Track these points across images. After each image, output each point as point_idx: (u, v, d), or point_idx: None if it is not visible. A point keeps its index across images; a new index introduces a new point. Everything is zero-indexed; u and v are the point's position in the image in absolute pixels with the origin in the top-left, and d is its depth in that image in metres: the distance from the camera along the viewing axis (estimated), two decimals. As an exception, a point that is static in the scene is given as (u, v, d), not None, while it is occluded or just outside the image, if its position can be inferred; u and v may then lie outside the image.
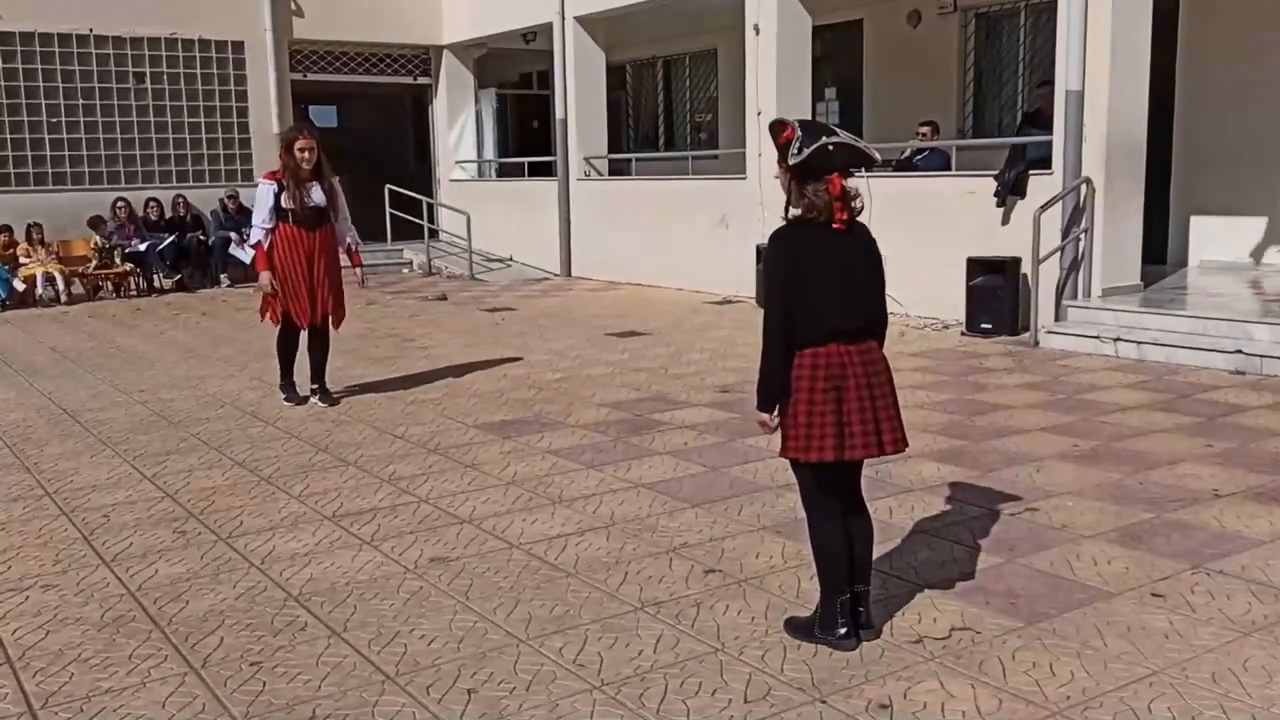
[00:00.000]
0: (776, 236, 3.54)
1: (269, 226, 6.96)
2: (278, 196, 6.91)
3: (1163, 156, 10.40)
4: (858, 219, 3.48)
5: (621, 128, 18.17)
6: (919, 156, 11.18)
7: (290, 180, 6.89)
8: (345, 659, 3.44)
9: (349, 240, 7.33)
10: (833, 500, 3.49)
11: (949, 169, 10.60)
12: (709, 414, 6.71)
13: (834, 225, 3.39)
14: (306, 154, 6.89)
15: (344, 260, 7.29)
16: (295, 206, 6.90)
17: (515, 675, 3.31)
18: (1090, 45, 8.70)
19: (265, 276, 7.02)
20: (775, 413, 3.45)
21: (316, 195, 6.99)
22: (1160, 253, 10.67)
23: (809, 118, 3.23)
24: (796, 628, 3.56)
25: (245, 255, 15.06)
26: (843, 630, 3.44)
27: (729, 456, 5.74)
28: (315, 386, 7.33)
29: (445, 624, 3.69)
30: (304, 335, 7.26)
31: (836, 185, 3.36)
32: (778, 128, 3.50)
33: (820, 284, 3.41)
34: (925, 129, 11.41)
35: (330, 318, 7.21)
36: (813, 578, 3.99)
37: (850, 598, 3.46)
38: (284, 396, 7.33)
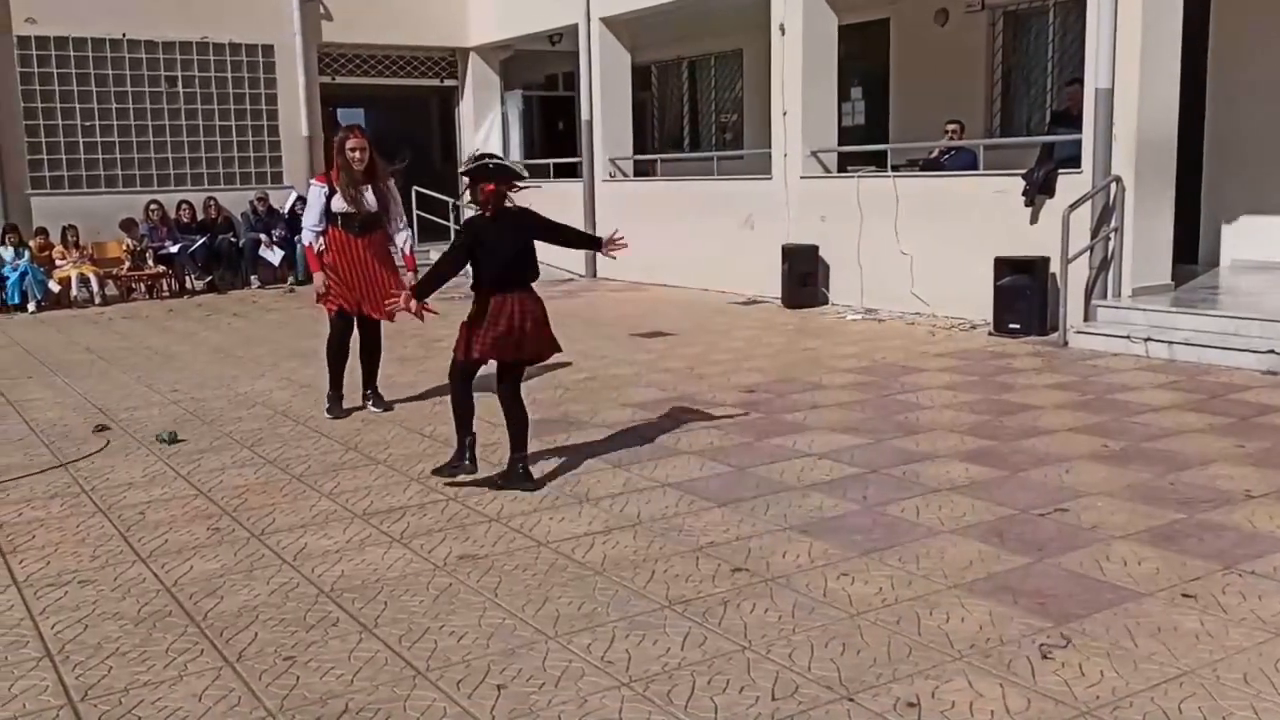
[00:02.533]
0: (468, 220, 5.47)
1: (320, 229, 6.78)
2: (328, 199, 6.73)
3: (1194, 154, 10.32)
4: (509, 207, 5.22)
5: (646, 129, 18.21)
6: (946, 156, 11.15)
7: (341, 182, 6.70)
8: (377, 654, 3.49)
9: (403, 243, 7.05)
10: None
11: (976, 168, 10.56)
12: (734, 413, 6.72)
13: (487, 215, 5.17)
14: (358, 154, 6.67)
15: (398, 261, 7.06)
16: (346, 210, 6.71)
17: (544, 671, 3.34)
18: (1120, 43, 8.65)
19: (319, 278, 6.84)
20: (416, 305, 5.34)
21: (369, 199, 6.77)
22: (1191, 252, 10.58)
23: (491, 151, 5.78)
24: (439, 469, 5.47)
25: (275, 257, 15.23)
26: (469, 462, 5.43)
27: (755, 456, 5.75)
28: (368, 392, 7.13)
29: (474, 620, 3.73)
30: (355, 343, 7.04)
31: (484, 191, 5.11)
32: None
33: (487, 251, 5.18)
34: (953, 127, 11.37)
35: (378, 317, 6.89)
36: (840, 575, 4.03)
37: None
38: (326, 407, 6.99)
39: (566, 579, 4.09)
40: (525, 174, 5.33)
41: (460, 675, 3.32)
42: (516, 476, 5.27)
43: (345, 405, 7.05)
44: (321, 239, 6.81)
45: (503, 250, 5.18)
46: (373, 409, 7.06)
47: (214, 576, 4.20)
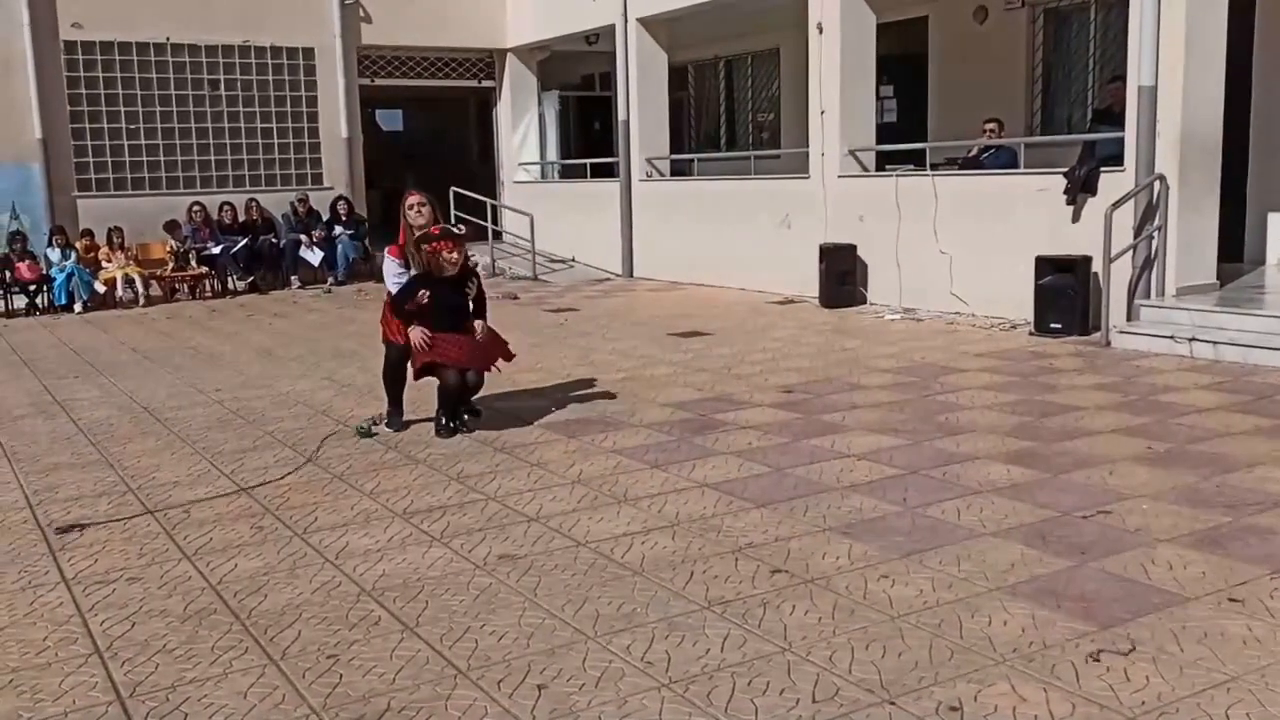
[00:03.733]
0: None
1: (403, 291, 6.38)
2: (405, 270, 6.43)
3: (1239, 152, 10.16)
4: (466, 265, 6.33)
5: (683, 128, 18.20)
6: (986, 154, 11.06)
7: (411, 250, 6.41)
8: (418, 653, 3.52)
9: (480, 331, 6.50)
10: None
11: (1016, 166, 10.47)
12: (772, 414, 6.70)
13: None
14: (415, 210, 6.45)
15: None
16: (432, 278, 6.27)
17: (584, 672, 3.36)
18: (1164, 39, 8.54)
19: (417, 332, 6.29)
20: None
21: (451, 261, 6.24)
22: (1236, 250, 10.43)
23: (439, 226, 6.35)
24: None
25: (314, 257, 15.37)
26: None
27: (794, 457, 5.73)
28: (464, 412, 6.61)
29: (514, 620, 3.75)
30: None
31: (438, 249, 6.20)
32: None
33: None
34: (991, 126, 11.28)
35: (487, 365, 6.54)
36: (881, 578, 4.01)
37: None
38: (385, 421, 6.72)
39: (606, 579, 4.11)
40: (459, 230, 6.53)
41: (501, 675, 3.34)
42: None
43: (404, 419, 6.74)
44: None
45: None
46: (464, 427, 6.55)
47: (258, 574, 4.25)
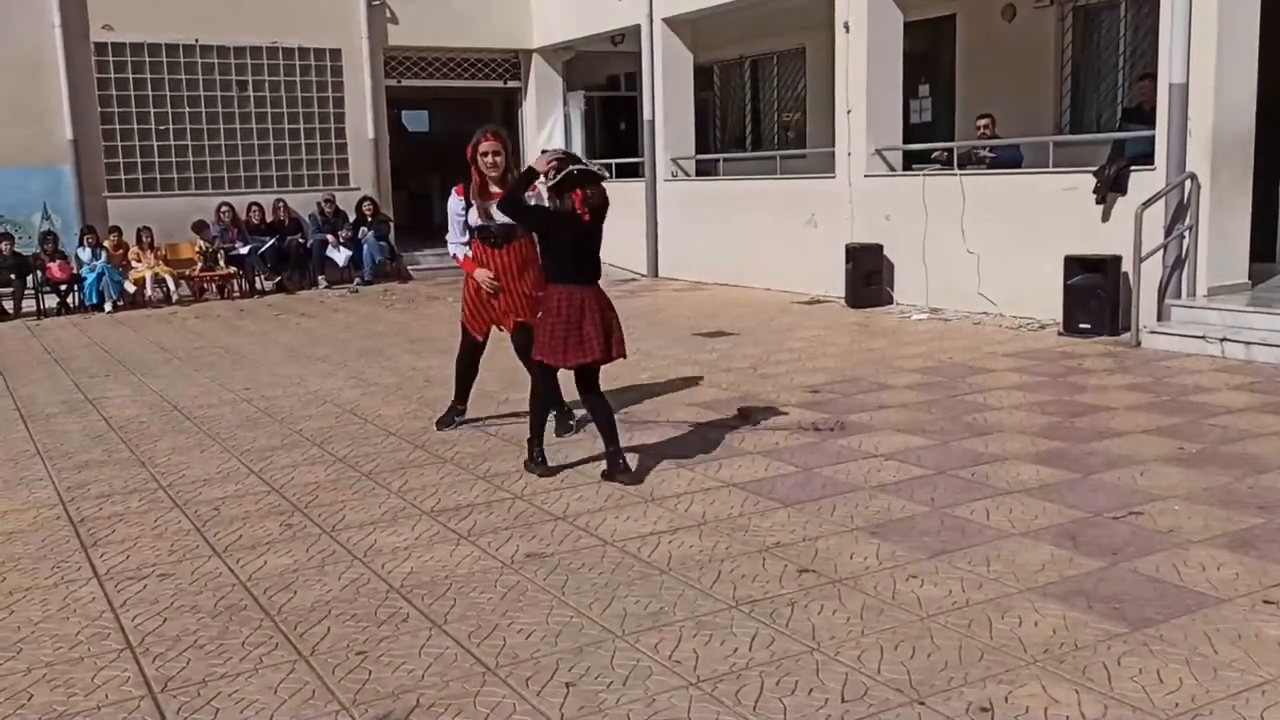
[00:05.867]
0: (546, 210, 5.54)
1: (464, 241, 6.22)
2: (465, 212, 6.15)
3: (1272, 150, 10.03)
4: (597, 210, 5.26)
5: (709, 128, 18.17)
6: (990, 153, 11.04)
7: (475, 194, 6.07)
8: (446, 650, 3.53)
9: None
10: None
11: (1018, 165, 10.45)
12: (799, 414, 6.68)
13: (580, 216, 5.23)
14: (490, 158, 6.01)
15: None
16: (481, 223, 6.10)
17: (612, 670, 3.36)
18: (1195, 36, 8.45)
19: (483, 273, 6.11)
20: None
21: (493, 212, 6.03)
22: (1269, 250, 10.29)
23: (567, 152, 5.61)
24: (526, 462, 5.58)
25: (340, 257, 15.46)
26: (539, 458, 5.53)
27: (821, 457, 5.71)
28: (553, 413, 6.25)
29: (542, 618, 3.75)
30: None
31: (577, 198, 5.19)
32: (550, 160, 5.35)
33: (566, 250, 5.29)
34: (984, 122, 11.26)
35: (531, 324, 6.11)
36: (910, 578, 3.99)
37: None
38: (441, 415, 6.61)
39: (633, 578, 4.11)
40: (605, 174, 5.47)
41: (529, 673, 3.35)
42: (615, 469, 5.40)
43: (460, 419, 6.62)
44: (468, 249, 6.23)
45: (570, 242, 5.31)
46: (555, 435, 6.22)
47: (287, 571, 4.28)
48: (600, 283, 5.43)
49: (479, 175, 6.08)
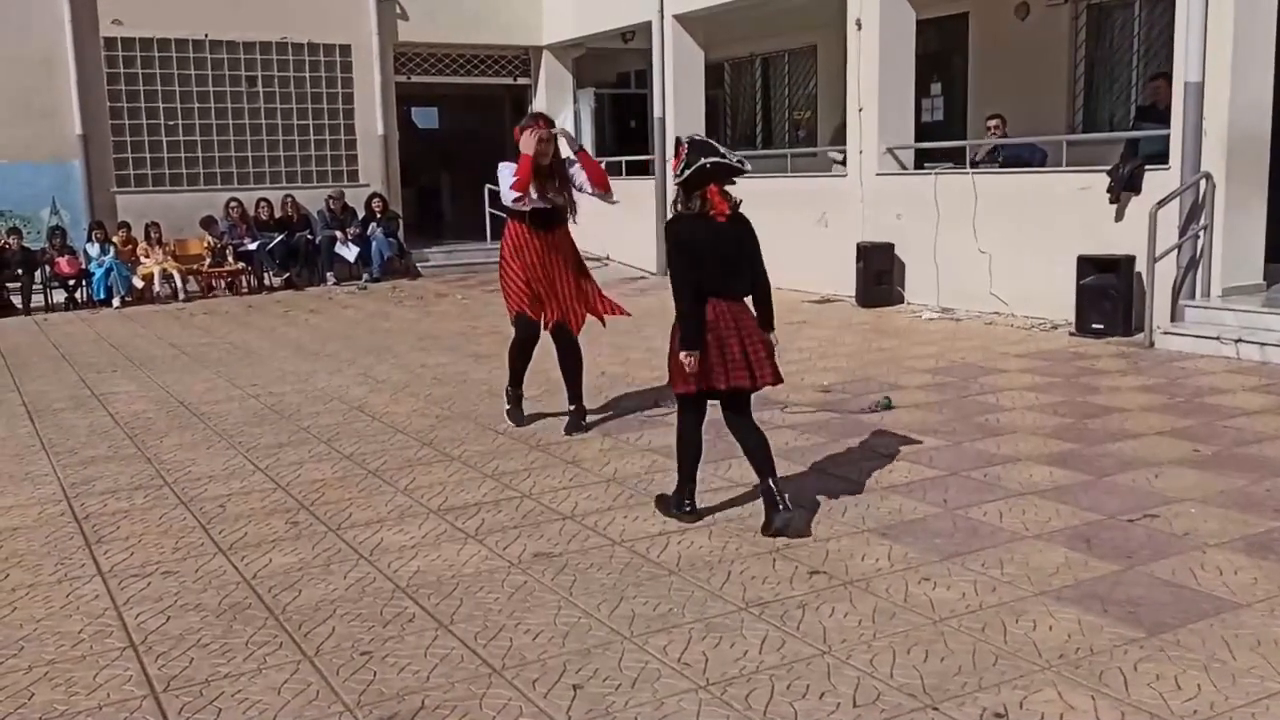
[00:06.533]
0: (671, 224, 4.55)
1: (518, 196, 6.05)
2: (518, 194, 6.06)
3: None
4: (738, 210, 4.51)
5: (719, 126, 18.10)
6: (998, 153, 10.98)
7: (526, 177, 6.00)
8: (452, 651, 3.48)
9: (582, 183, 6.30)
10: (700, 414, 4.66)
11: (1030, 165, 10.37)
12: (810, 414, 6.63)
13: (716, 216, 4.41)
14: (542, 145, 5.98)
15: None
16: (538, 204, 6.08)
17: (620, 672, 3.31)
18: (1211, 34, 8.37)
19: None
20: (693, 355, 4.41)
21: (551, 194, 6.11)
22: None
23: (701, 138, 4.54)
24: (662, 502, 4.79)
25: (349, 253, 15.44)
26: (687, 507, 4.68)
27: (831, 457, 5.65)
28: (572, 407, 6.39)
29: (550, 619, 3.71)
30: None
31: (713, 194, 4.39)
32: (675, 149, 4.53)
33: (701, 258, 4.41)
34: (995, 122, 11.20)
35: (575, 321, 6.32)
36: (922, 580, 3.93)
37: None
38: (507, 409, 6.52)
39: (642, 579, 4.06)
40: (747, 167, 4.54)
41: (536, 674, 3.30)
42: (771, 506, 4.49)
43: (526, 411, 6.57)
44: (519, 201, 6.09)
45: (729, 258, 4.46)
46: (565, 433, 6.24)
47: (292, 570, 4.24)
48: (742, 302, 4.56)
49: (529, 159, 5.98)
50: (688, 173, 4.37)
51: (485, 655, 3.44)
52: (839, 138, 12.60)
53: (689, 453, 4.70)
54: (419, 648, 3.51)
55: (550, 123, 6.14)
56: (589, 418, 6.50)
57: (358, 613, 3.80)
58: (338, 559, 4.35)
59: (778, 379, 4.55)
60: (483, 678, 3.30)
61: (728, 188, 4.45)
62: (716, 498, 5.01)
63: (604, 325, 6.79)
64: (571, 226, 6.41)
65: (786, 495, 4.46)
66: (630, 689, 3.20)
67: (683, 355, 4.42)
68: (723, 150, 4.44)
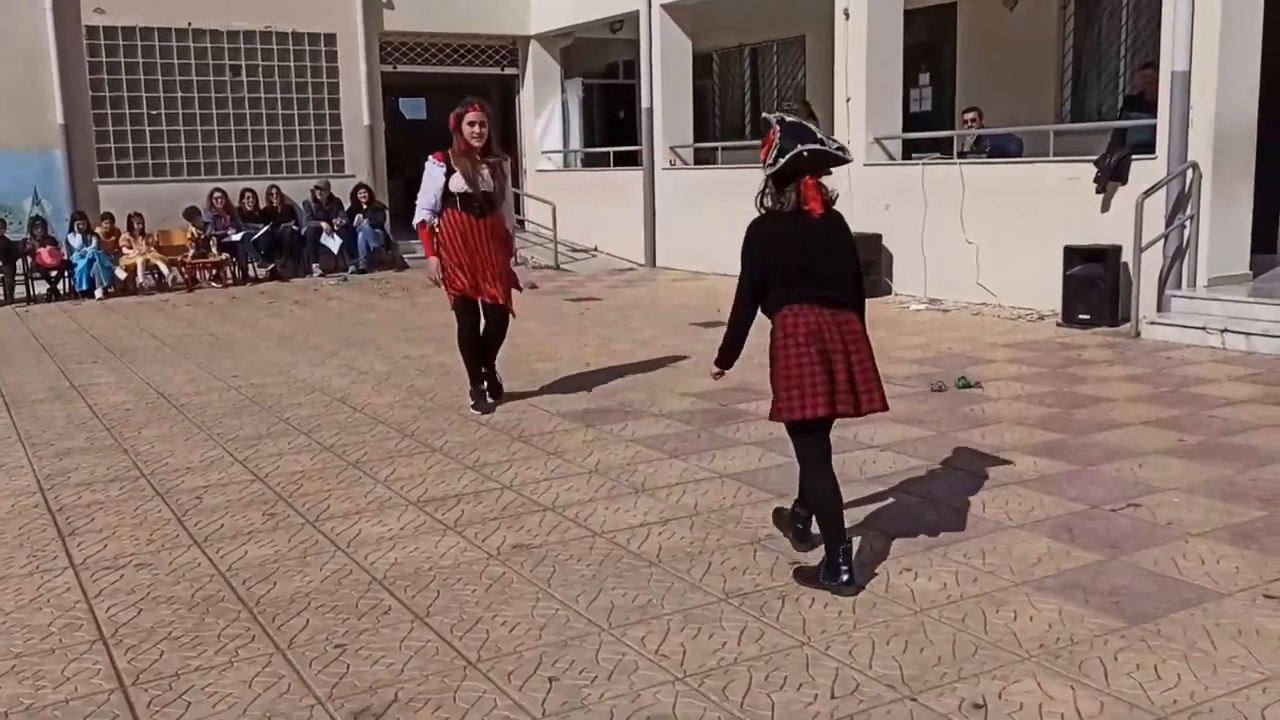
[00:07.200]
0: (755, 224, 3.93)
1: (434, 209, 6.32)
2: (446, 179, 6.25)
3: (1274, 141, 9.93)
4: (833, 206, 3.82)
5: (707, 117, 18.04)
6: (984, 144, 10.96)
7: (460, 160, 6.21)
8: (428, 643, 3.44)
9: (511, 230, 6.65)
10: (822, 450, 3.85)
11: (1008, 156, 10.35)
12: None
13: (810, 212, 3.73)
14: (477, 129, 6.17)
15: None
16: (465, 191, 6.23)
17: (597, 664, 3.27)
18: (1198, 24, 8.35)
19: (433, 263, 6.37)
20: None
21: (486, 178, 6.29)
22: (1270, 241, 10.18)
23: (794, 119, 3.79)
24: (806, 577, 3.83)
25: (335, 244, 15.35)
26: (845, 577, 3.71)
27: (815, 447, 5.61)
28: (484, 370, 6.67)
29: (527, 611, 3.66)
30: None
31: (808, 187, 3.71)
32: (764, 131, 3.84)
33: (794, 261, 3.79)
34: (971, 115, 11.17)
35: (503, 303, 6.53)
36: (903, 570, 3.90)
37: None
38: (471, 404, 6.64)
39: (621, 570, 4.02)
40: (850, 157, 3.85)
41: (512, 667, 3.26)
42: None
43: (489, 399, 6.68)
44: (435, 219, 6.35)
45: (827, 259, 3.85)
46: (482, 409, 6.56)
47: (268, 562, 4.19)
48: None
49: (465, 144, 6.25)
50: (782, 161, 3.65)
51: (461, 647, 3.40)
52: (827, 128, 12.54)
53: (825, 504, 3.80)
54: (394, 640, 3.46)
55: (484, 106, 6.33)
56: (584, 406, 6.46)
57: (333, 605, 3.76)
58: (314, 551, 4.30)
59: (885, 405, 3.80)
60: (458, 670, 3.25)
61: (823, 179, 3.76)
62: (701, 488, 4.97)
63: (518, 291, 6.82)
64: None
65: (854, 565, 3.78)
66: (607, 681, 3.16)
67: (712, 368, 4.25)
68: (820, 135, 3.72)
